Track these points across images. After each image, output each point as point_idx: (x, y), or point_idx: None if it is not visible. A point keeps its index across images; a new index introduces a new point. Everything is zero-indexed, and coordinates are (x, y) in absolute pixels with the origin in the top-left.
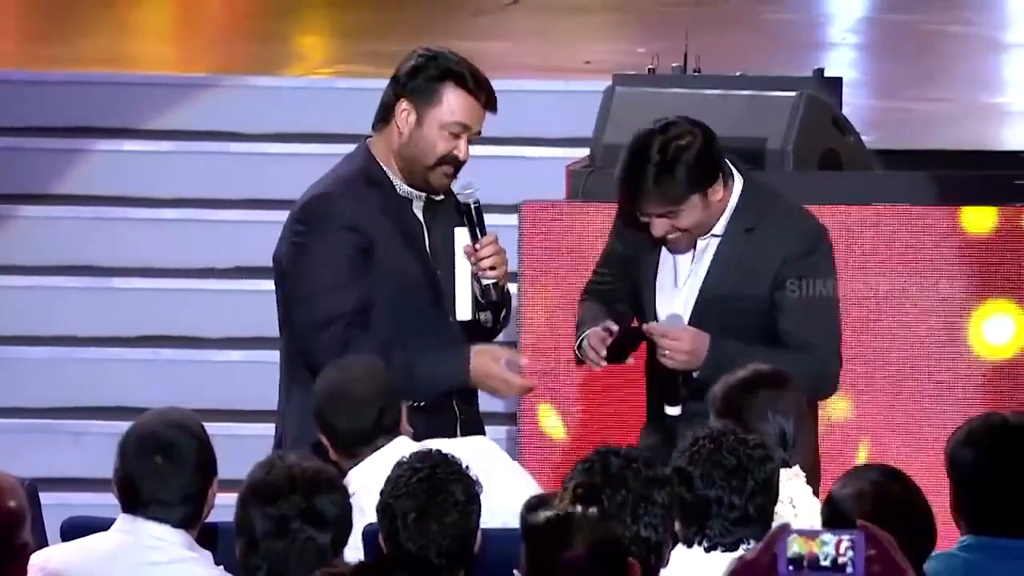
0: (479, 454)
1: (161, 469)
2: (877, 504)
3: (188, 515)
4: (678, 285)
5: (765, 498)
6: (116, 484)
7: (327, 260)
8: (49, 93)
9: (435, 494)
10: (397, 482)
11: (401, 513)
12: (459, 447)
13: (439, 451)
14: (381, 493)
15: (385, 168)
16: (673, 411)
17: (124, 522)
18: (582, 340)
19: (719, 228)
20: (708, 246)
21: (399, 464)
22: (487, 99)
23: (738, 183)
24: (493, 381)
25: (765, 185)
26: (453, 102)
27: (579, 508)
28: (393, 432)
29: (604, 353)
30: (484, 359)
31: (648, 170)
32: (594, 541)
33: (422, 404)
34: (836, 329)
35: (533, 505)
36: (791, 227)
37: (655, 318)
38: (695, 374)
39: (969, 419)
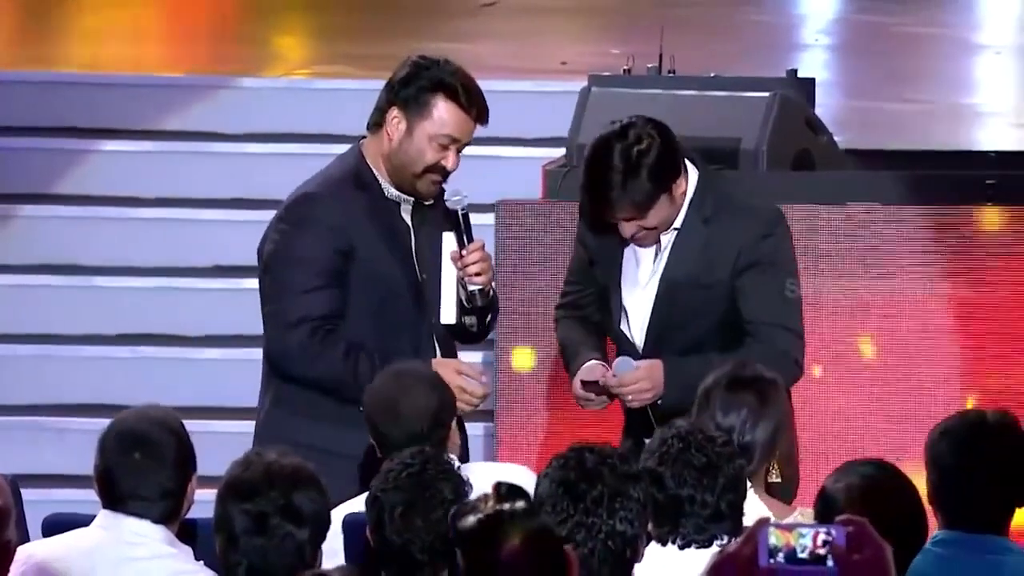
0: (517, 482)
1: (140, 465)
2: (869, 497)
3: (168, 511)
4: (640, 282)
5: (735, 494)
6: (96, 480)
7: (304, 261)
8: (30, 93)
9: (423, 490)
10: (387, 475)
11: (389, 506)
12: (498, 472)
13: (432, 449)
14: (371, 486)
15: (375, 171)
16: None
17: (104, 518)
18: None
19: (678, 221)
20: (670, 240)
21: (392, 459)
22: (478, 113)
23: (693, 174)
24: (451, 390)
25: (719, 176)
26: (443, 115)
27: (506, 506)
28: (439, 447)
29: (595, 397)
30: (445, 370)
31: (613, 179)
32: (527, 536)
33: None
34: (797, 312)
35: (461, 511)
36: (747, 213)
37: (623, 317)
38: (659, 402)
39: (948, 416)
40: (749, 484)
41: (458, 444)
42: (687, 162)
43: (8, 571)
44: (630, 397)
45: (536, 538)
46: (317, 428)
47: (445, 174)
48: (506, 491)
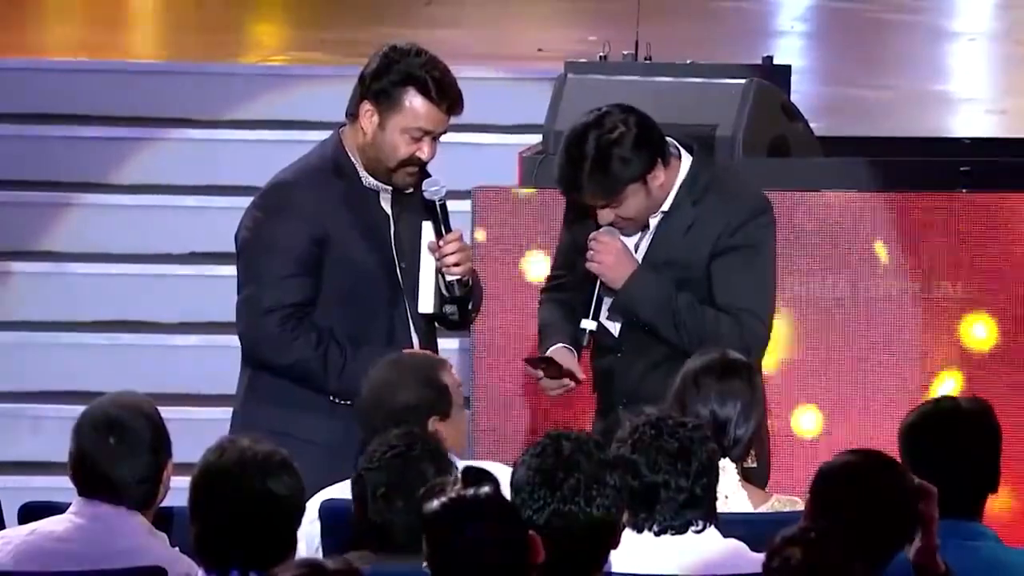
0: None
1: (115, 451)
2: (863, 487)
3: (143, 497)
4: None
5: (709, 478)
6: (71, 467)
7: (278, 249)
8: (5, 80)
9: (407, 471)
10: (372, 455)
11: (372, 485)
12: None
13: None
14: (356, 464)
15: (353, 159)
16: (587, 325)
17: (79, 505)
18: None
19: (666, 205)
20: (656, 222)
21: (379, 439)
22: (450, 105)
23: (686, 160)
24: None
25: (714, 162)
26: (414, 109)
27: (471, 490)
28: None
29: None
30: None
31: (584, 166)
32: (490, 520)
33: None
34: (767, 298)
35: (427, 495)
36: (734, 198)
37: (603, 304)
38: (614, 295)
39: (922, 402)
40: (732, 469)
41: (463, 446)
42: (680, 148)
43: None
44: (590, 254)
45: (499, 522)
46: (291, 416)
47: (421, 165)
48: (473, 476)
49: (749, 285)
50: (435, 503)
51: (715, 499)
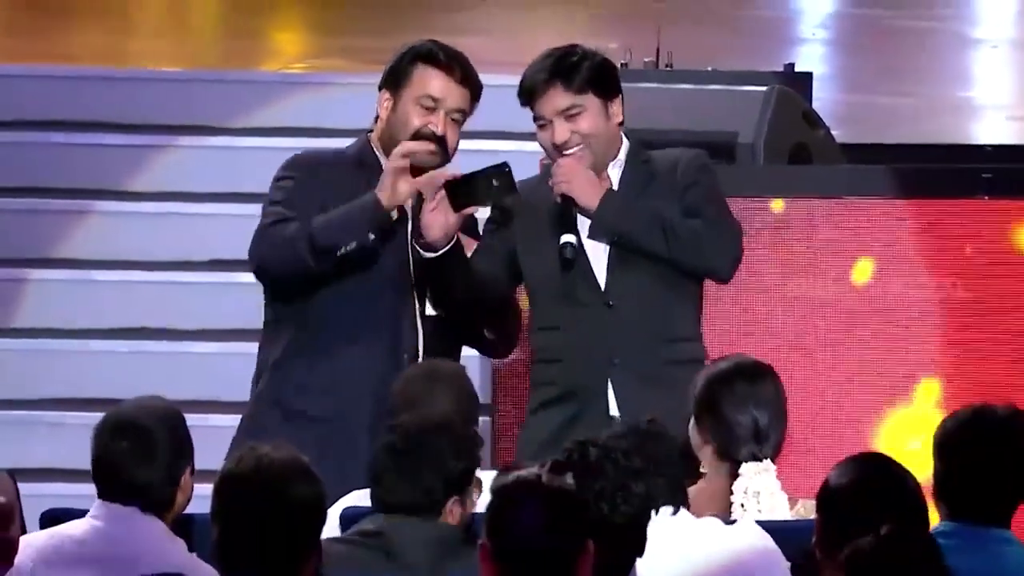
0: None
1: (129, 453)
2: (872, 492)
3: (160, 501)
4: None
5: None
6: (92, 470)
7: (287, 192)
8: (26, 86)
9: (422, 443)
10: (392, 429)
11: (388, 451)
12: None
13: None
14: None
15: (378, 154)
16: (568, 238)
17: (97, 508)
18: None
19: (622, 153)
20: (618, 177)
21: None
22: (461, 74)
23: (626, 141)
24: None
25: None
26: (423, 78)
27: (548, 476)
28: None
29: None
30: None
31: (550, 64)
32: (555, 506)
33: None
34: (733, 216)
35: (504, 470)
36: (673, 152)
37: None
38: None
39: (956, 409)
40: (773, 470)
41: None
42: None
43: (12, 565)
44: (558, 178)
45: (562, 511)
46: (290, 424)
47: (438, 141)
48: (557, 467)
49: (718, 207)
50: (508, 476)
51: (684, 488)
